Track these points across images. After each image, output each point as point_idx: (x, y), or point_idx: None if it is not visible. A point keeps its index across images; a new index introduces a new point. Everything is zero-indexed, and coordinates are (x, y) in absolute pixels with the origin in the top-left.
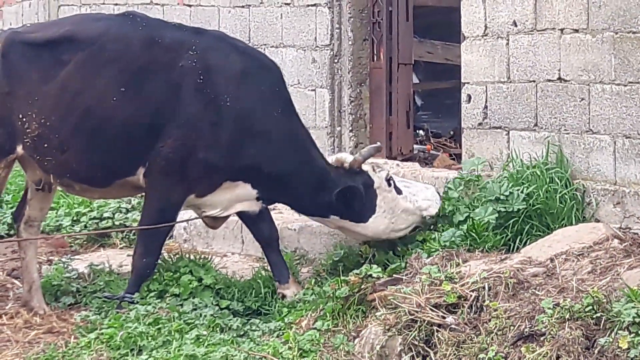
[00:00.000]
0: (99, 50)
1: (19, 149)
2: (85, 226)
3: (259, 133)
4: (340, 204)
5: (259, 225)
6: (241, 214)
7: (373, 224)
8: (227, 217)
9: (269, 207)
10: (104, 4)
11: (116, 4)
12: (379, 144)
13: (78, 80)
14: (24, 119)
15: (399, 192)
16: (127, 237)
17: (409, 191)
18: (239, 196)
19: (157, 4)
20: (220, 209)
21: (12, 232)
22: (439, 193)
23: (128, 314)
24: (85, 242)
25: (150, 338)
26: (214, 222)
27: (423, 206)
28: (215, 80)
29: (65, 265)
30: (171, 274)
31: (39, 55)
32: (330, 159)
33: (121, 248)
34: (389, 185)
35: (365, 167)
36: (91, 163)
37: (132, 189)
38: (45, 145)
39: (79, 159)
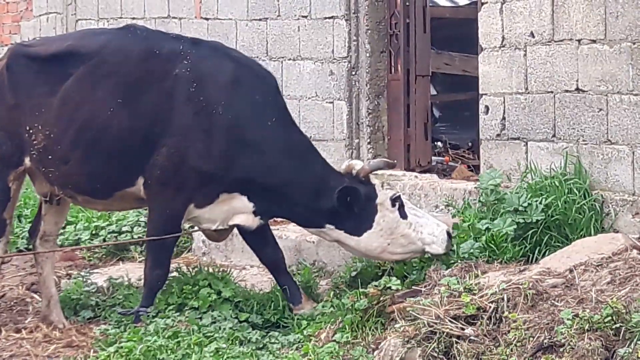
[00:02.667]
0: (98, 63)
1: (27, 161)
2: (104, 240)
3: (252, 143)
4: (340, 207)
5: (263, 249)
6: (245, 237)
7: (367, 239)
8: (230, 230)
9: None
10: (121, 17)
11: (133, 18)
12: (394, 161)
13: (78, 93)
14: (31, 131)
15: (403, 216)
16: (143, 250)
17: (418, 221)
18: (236, 209)
19: (174, 17)
20: (219, 222)
21: (31, 246)
22: (449, 234)
23: (147, 327)
24: (104, 256)
25: (169, 351)
26: (217, 236)
27: (426, 240)
28: (207, 89)
29: (85, 279)
30: (190, 287)
31: (43, 68)
32: (343, 165)
33: (140, 261)
34: (393, 205)
35: (374, 181)
36: (91, 174)
37: (134, 200)
38: (49, 157)
39: (80, 171)
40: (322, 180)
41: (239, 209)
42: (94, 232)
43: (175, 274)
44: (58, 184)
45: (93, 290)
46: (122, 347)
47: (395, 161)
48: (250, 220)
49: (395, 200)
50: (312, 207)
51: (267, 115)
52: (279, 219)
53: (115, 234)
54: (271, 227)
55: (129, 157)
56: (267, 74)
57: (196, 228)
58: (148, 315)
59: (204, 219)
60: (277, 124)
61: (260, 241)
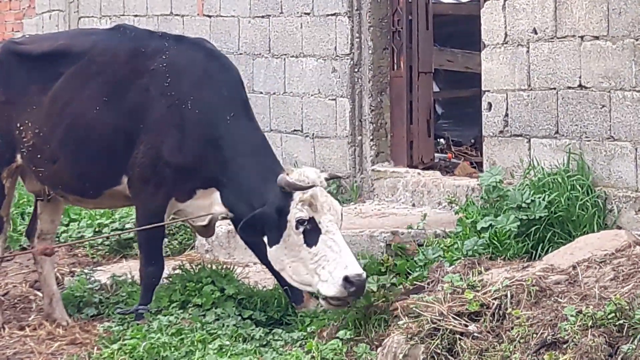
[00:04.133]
0: (87, 63)
1: (19, 158)
2: (107, 237)
3: (213, 138)
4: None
5: (260, 247)
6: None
7: (274, 253)
8: (213, 224)
9: None
10: (123, 15)
11: (136, 15)
12: (317, 186)
13: (67, 92)
14: (21, 128)
15: (309, 242)
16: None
17: (326, 254)
18: (215, 204)
19: (177, 14)
20: (204, 217)
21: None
22: (351, 281)
23: (151, 324)
24: (107, 254)
25: (173, 348)
26: (205, 231)
27: (322, 277)
28: (179, 83)
29: (88, 277)
30: (193, 284)
31: (34, 67)
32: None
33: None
34: (297, 227)
35: (302, 196)
36: (79, 174)
37: (124, 198)
38: (39, 156)
39: (68, 170)
40: (264, 182)
41: (217, 204)
42: (97, 229)
43: (178, 271)
44: (48, 184)
45: (96, 288)
46: (125, 345)
47: (338, 174)
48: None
49: (300, 224)
50: (253, 207)
51: (228, 111)
52: None
53: (119, 231)
54: None
55: (114, 156)
56: (234, 68)
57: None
58: (151, 313)
59: (188, 213)
60: (235, 119)
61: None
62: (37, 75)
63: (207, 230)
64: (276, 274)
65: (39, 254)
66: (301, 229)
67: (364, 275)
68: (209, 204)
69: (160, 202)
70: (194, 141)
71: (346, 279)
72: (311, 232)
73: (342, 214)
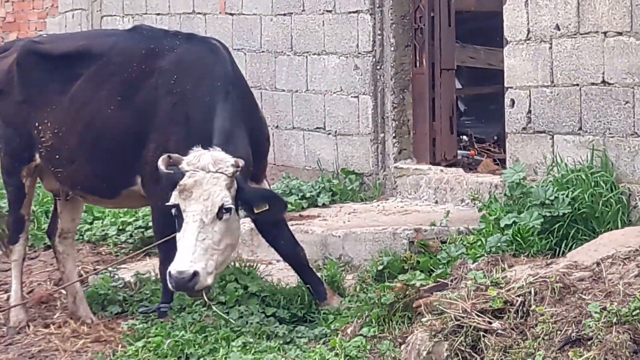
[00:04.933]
0: (105, 64)
1: (37, 157)
2: (131, 235)
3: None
4: None
5: (279, 243)
6: (261, 231)
7: None
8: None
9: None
10: (146, 13)
11: (158, 14)
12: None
13: (85, 93)
14: (40, 128)
15: (179, 228)
16: None
17: (178, 245)
18: None
19: (199, 13)
20: None
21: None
22: (172, 279)
23: (175, 322)
24: (130, 251)
25: (197, 346)
26: None
27: None
28: (184, 81)
29: (112, 275)
30: (217, 282)
31: (54, 67)
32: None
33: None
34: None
35: (180, 182)
36: (96, 174)
37: (142, 199)
38: (57, 156)
39: (86, 171)
40: None
41: None
42: (120, 227)
43: None
44: (67, 184)
45: (120, 286)
46: (149, 342)
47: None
48: None
49: (170, 209)
50: None
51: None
52: (305, 213)
53: (142, 229)
54: (297, 222)
55: (128, 156)
56: (228, 61)
57: None
58: (173, 310)
59: None
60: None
61: (275, 235)
62: (56, 76)
63: None
64: (298, 271)
65: (35, 303)
66: (173, 212)
67: (187, 273)
68: None
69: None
70: (198, 137)
71: (169, 273)
72: (179, 218)
73: (220, 206)
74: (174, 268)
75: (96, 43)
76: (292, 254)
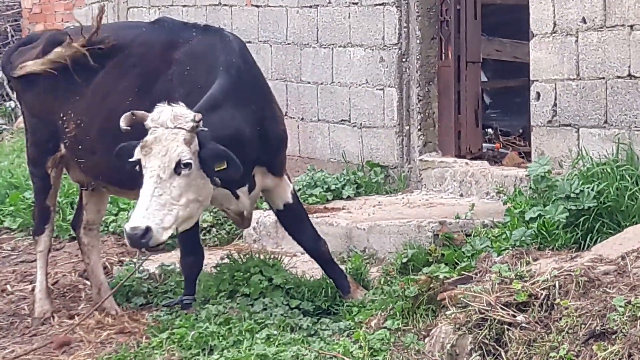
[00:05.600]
0: (126, 56)
1: (62, 147)
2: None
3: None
4: None
5: (302, 237)
6: (282, 223)
7: None
8: (248, 215)
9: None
10: (172, 5)
11: (184, 6)
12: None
13: (106, 84)
14: (64, 118)
15: (141, 184)
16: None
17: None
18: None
19: (225, 5)
20: (234, 204)
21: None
22: (127, 235)
23: (199, 314)
24: None
25: (221, 338)
26: (241, 222)
27: None
28: (197, 71)
29: (137, 266)
30: (241, 274)
31: (79, 58)
32: None
33: None
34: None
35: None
36: (115, 165)
37: None
38: (80, 146)
39: (106, 161)
40: None
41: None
42: None
43: (226, 261)
44: (90, 174)
45: (145, 277)
46: (174, 334)
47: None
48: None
49: (134, 165)
50: None
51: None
52: (330, 206)
53: None
54: (322, 214)
55: None
56: (238, 49)
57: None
58: (197, 302)
59: (217, 202)
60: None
61: (298, 229)
62: (81, 67)
63: (243, 221)
64: (322, 265)
65: (57, 349)
66: (137, 169)
67: (139, 229)
68: (245, 194)
69: None
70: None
71: (124, 229)
72: (141, 175)
73: (177, 162)
74: (127, 225)
75: (119, 35)
76: (315, 247)
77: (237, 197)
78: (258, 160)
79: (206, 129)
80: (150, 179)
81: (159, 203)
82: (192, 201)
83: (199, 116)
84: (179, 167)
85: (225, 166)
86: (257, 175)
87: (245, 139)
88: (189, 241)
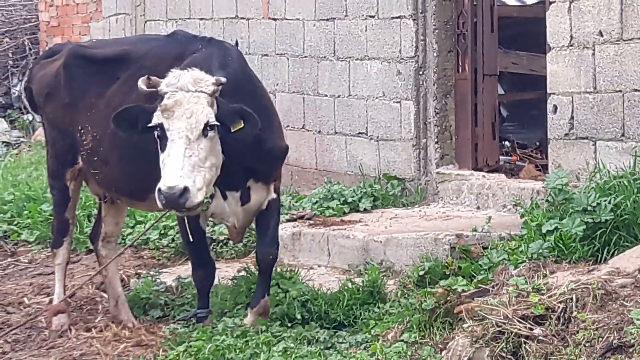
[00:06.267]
0: (139, 68)
1: (80, 160)
2: (173, 239)
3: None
4: None
5: (258, 242)
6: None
7: None
8: (244, 229)
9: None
10: (189, 18)
11: (202, 19)
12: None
13: (118, 96)
14: (82, 131)
15: (162, 148)
16: (214, 249)
17: (165, 163)
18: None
19: (242, 18)
20: (231, 215)
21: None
22: (162, 194)
23: (216, 326)
24: (172, 255)
25: (238, 350)
26: (235, 234)
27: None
28: None
29: (153, 279)
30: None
31: (96, 70)
32: None
33: None
34: (155, 133)
35: (162, 102)
36: (126, 177)
37: None
38: (95, 158)
39: (117, 173)
40: None
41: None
42: (162, 231)
43: (243, 273)
44: (103, 186)
45: (162, 290)
46: (191, 347)
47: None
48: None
49: (154, 129)
50: None
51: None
52: (347, 218)
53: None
54: (339, 227)
55: (152, 159)
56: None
57: None
58: (212, 314)
59: (217, 215)
60: None
61: (259, 228)
62: (97, 79)
63: (237, 235)
64: (259, 269)
65: (52, 315)
66: (156, 134)
67: (177, 188)
68: (236, 201)
69: None
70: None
71: (159, 190)
72: (162, 138)
73: (205, 123)
74: (163, 184)
75: (135, 48)
76: (261, 258)
77: (225, 197)
78: (253, 174)
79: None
80: (180, 140)
81: (190, 164)
82: (214, 165)
83: (222, 79)
84: (206, 129)
85: (242, 125)
86: (253, 191)
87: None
88: (199, 254)
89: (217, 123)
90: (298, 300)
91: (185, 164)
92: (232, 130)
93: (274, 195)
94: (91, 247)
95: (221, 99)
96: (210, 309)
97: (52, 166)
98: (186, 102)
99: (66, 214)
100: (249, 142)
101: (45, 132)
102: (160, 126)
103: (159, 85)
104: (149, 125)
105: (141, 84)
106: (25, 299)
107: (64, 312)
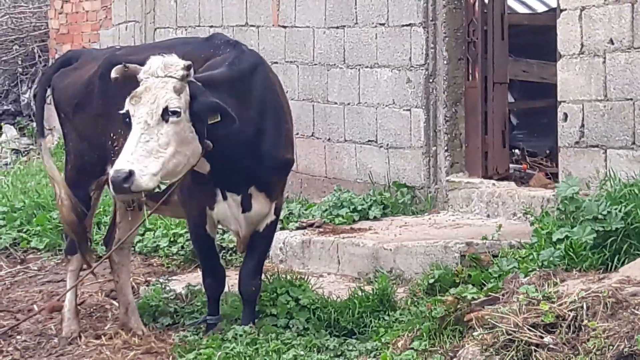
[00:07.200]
0: None
1: (109, 169)
2: (182, 247)
3: None
4: None
5: (242, 270)
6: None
7: None
8: (246, 239)
9: None
10: (199, 25)
11: (211, 26)
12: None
13: None
14: (114, 137)
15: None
16: (224, 257)
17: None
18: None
19: (252, 25)
20: (233, 223)
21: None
22: (110, 179)
23: (226, 334)
24: (182, 263)
25: (248, 358)
26: (240, 245)
27: None
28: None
29: (163, 286)
30: (268, 294)
31: (132, 78)
32: None
33: None
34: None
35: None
36: None
37: None
38: None
39: None
40: None
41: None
42: (172, 239)
43: None
44: None
45: (171, 297)
46: (201, 354)
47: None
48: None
49: (124, 117)
50: None
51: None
52: (357, 226)
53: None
54: (348, 235)
55: None
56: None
57: None
58: (221, 321)
59: (220, 220)
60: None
61: (248, 251)
62: (132, 87)
63: (241, 244)
64: (243, 300)
65: (48, 312)
66: (127, 121)
67: (122, 171)
68: (237, 205)
69: (195, 212)
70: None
71: (109, 174)
72: (129, 125)
73: (164, 108)
74: (112, 169)
75: (171, 52)
76: (241, 290)
77: (225, 197)
78: (255, 181)
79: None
80: (138, 125)
81: (145, 149)
82: (179, 153)
83: (188, 63)
84: (166, 114)
85: (218, 118)
86: (255, 199)
87: (234, 128)
88: (209, 262)
89: (178, 109)
90: (308, 308)
91: (138, 149)
92: (209, 122)
93: (273, 217)
94: (101, 255)
95: (202, 88)
96: (220, 316)
97: (74, 177)
98: (153, 88)
99: (85, 222)
100: (248, 143)
101: (68, 142)
102: (127, 113)
103: (138, 73)
104: (121, 112)
105: (114, 73)
106: (34, 306)
107: (59, 310)
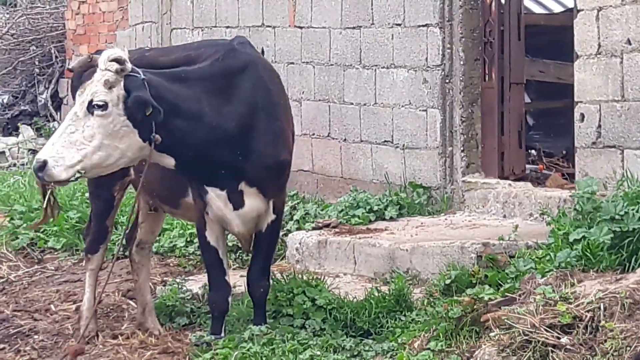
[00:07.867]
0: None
1: (132, 171)
2: (199, 247)
3: None
4: None
5: (249, 271)
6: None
7: None
8: (251, 237)
9: None
10: (215, 26)
11: (228, 27)
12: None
13: None
14: None
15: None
16: (240, 257)
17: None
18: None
19: (268, 26)
20: (233, 222)
21: (127, 253)
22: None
23: (242, 334)
24: (198, 263)
25: (264, 358)
26: (244, 244)
27: None
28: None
29: (180, 286)
30: (285, 294)
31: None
32: None
33: (234, 269)
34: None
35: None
36: (162, 183)
37: None
38: (143, 163)
39: (155, 179)
40: None
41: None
42: (188, 239)
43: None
44: (148, 193)
45: (188, 297)
46: (217, 354)
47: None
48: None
49: None
50: None
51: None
52: (373, 227)
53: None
54: (364, 235)
55: None
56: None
57: None
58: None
59: (222, 224)
60: None
61: (254, 252)
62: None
63: (244, 242)
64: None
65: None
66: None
67: (38, 160)
68: (224, 202)
69: (200, 218)
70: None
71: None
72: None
73: (89, 101)
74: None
75: (198, 53)
76: (254, 284)
77: (205, 192)
78: (244, 176)
79: (141, 75)
80: (68, 116)
81: (68, 140)
82: (108, 146)
83: (123, 56)
84: (91, 107)
85: (150, 111)
86: (247, 196)
87: (205, 123)
88: (211, 273)
89: (102, 102)
90: (324, 308)
91: (61, 139)
92: (147, 114)
93: (274, 217)
94: (118, 255)
95: (139, 82)
96: (222, 336)
97: (98, 178)
98: (92, 80)
99: (107, 221)
100: (230, 139)
101: None
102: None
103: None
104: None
105: (76, 64)
106: (51, 306)
107: (82, 353)
